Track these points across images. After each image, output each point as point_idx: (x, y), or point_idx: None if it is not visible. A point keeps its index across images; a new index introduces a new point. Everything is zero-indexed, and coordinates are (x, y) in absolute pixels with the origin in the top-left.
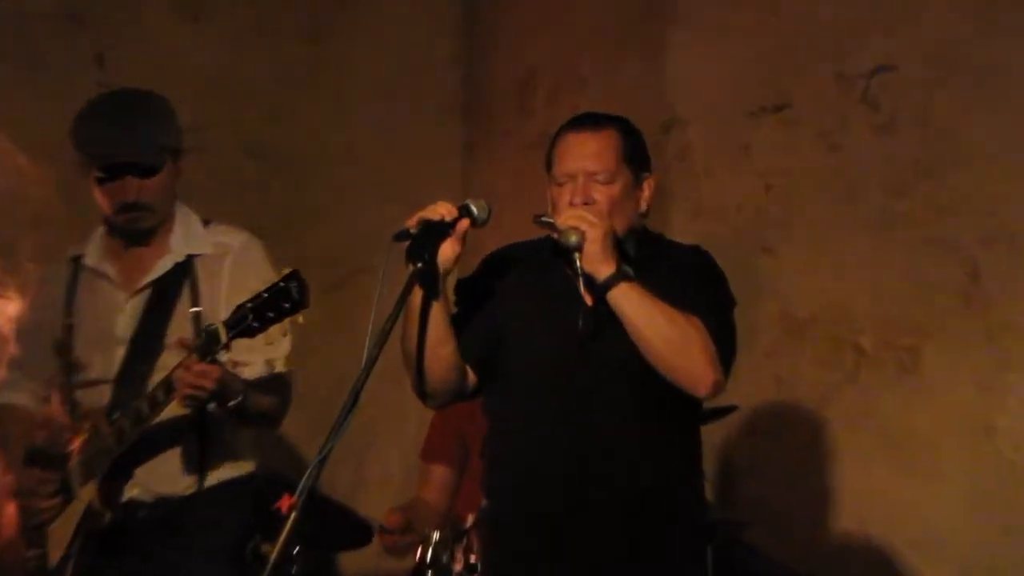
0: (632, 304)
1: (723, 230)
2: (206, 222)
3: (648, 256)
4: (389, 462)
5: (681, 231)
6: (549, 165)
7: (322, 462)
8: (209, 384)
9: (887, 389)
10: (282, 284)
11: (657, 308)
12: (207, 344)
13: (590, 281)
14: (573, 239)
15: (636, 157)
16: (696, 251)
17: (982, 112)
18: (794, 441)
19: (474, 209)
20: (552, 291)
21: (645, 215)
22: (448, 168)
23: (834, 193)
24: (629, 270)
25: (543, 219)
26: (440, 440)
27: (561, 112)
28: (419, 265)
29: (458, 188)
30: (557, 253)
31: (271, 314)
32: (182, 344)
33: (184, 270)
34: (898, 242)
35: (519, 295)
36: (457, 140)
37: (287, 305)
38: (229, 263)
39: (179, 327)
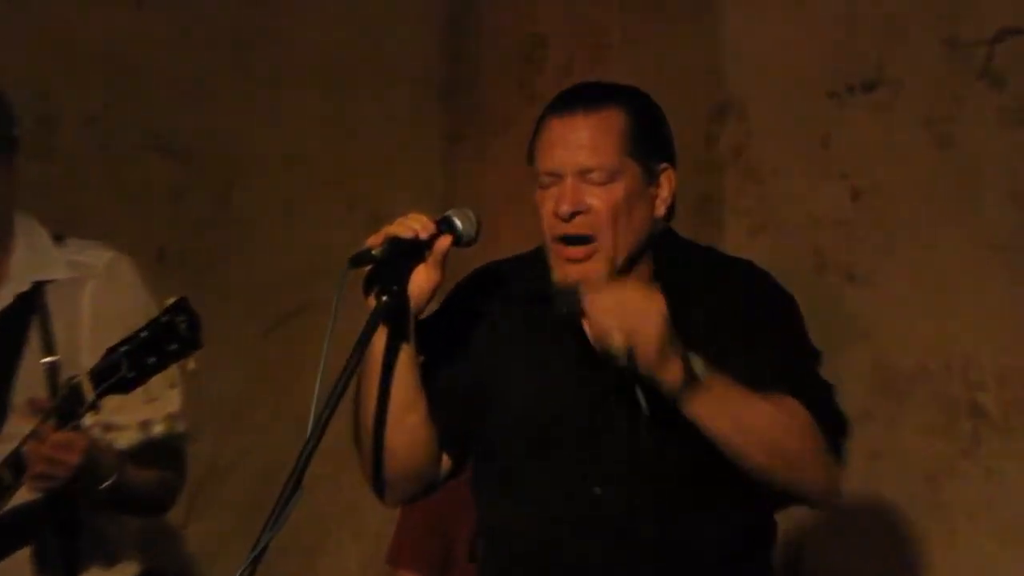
0: (714, 412)
1: (795, 251)
2: (58, 237)
3: (673, 278)
4: (346, 565)
5: (738, 251)
6: (531, 158)
7: (255, 563)
8: (72, 459)
9: (1018, 465)
10: (165, 319)
11: (749, 408)
12: (68, 404)
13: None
14: (622, 355)
15: (648, 143)
16: (750, 273)
17: None
18: (894, 536)
19: (458, 223)
20: (556, 332)
21: (666, 219)
22: (425, 168)
23: (946, 201)
24: (699, 366)
25: (565, 298)
26: (412, 538)
27: None
28: (385, 299)
29: (438, 194)
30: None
31: (152, 359)
32: (34, 406)
33: (30, 303)
34: None
35: (510, 338)
36: (437, 130)
37: (173, 346)
38: (91, 291)
39: (28, 382)
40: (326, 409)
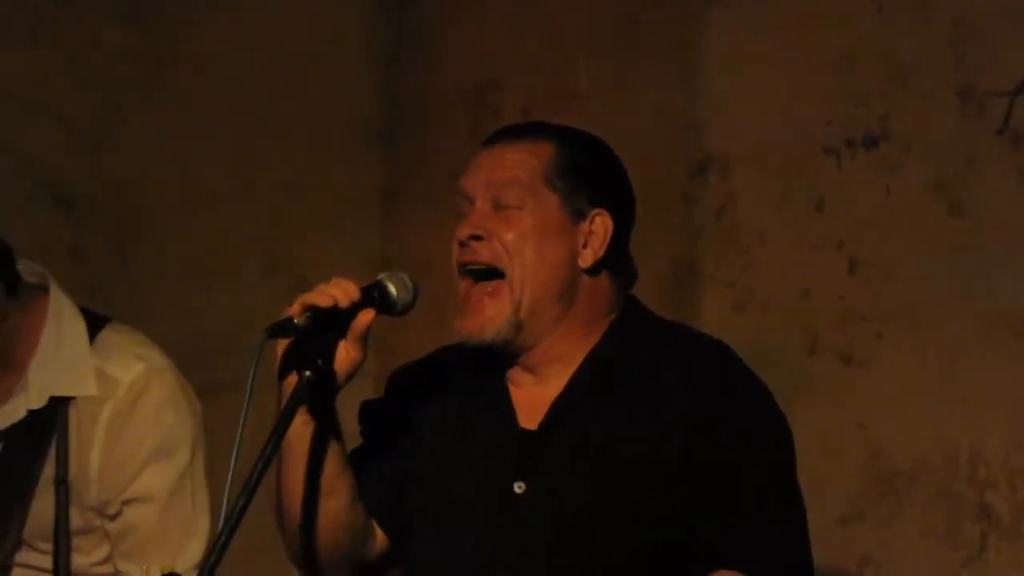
0: None
1: (783, 329)
2: (97, 324)
3: (625, 356)
4: None
5: (716, 328)
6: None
7: None
8: None
9: None
10: None
11: None
12: None
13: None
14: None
15: (578, 180)
16: (719, 361)
17: None
18: None
19: (390, 288)
20: (478, 420)
21: (594, 272)
22: (361, 226)
23: (955, 276)
24: None
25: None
26: None
27: None
28: (308, 375)
29: (375, 257)
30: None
31: None
32: None
33: (47, 418)
34: None
35: (437, 429)
36: (375, 183)
37: None
38: (108, 415)
39: (41, 505)
40: (240, 499)
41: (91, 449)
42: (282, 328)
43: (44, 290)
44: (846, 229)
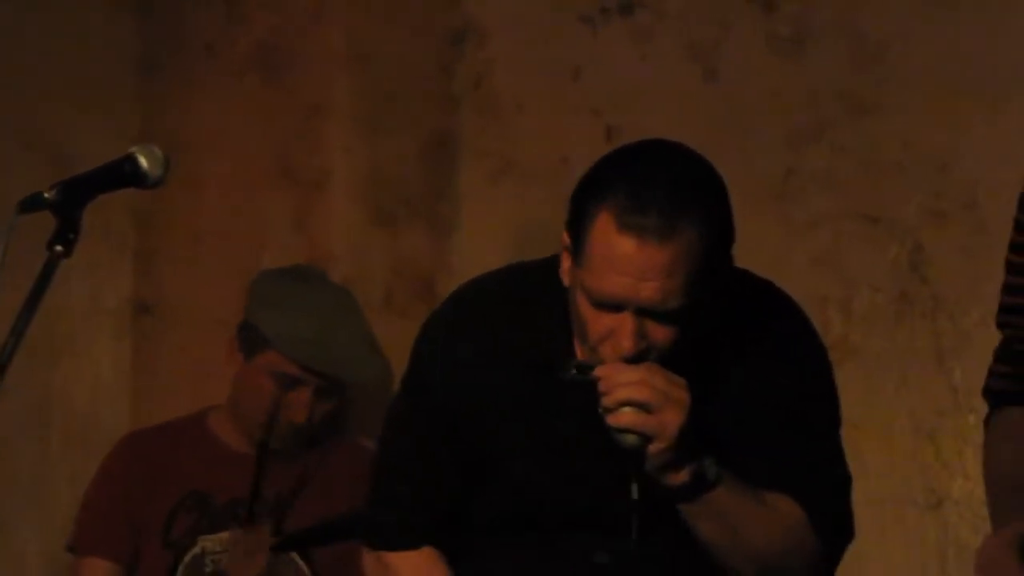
0: (712, 523)
1: (540, 197)
2: None
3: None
4: (24, 551)
5: (475, 197)
6: (576, 253)
7: None
8: None
9: None
10: None
11: (748, 522)
12: None
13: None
14: (631, 440)
15: (719, 266)
16: (789, 326)
17: (943, 13)
18: None
19: (142, 161)
20: (562, 397)
21: None
22: (118, 100)
23: (711, 142)
24: (711, 471)
25: (580, 375)
26: (98, 522)
27: (291, 17)
28: (59, 249)
29: (134, 131)
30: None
31: None
32: None
33: None
34: (804, 217)
35: (510, 408)
36: (130, 55)
37: None
38: None
39: None
40: None
41: None
42: (33, 202)
43: None
44: (602, 96)
